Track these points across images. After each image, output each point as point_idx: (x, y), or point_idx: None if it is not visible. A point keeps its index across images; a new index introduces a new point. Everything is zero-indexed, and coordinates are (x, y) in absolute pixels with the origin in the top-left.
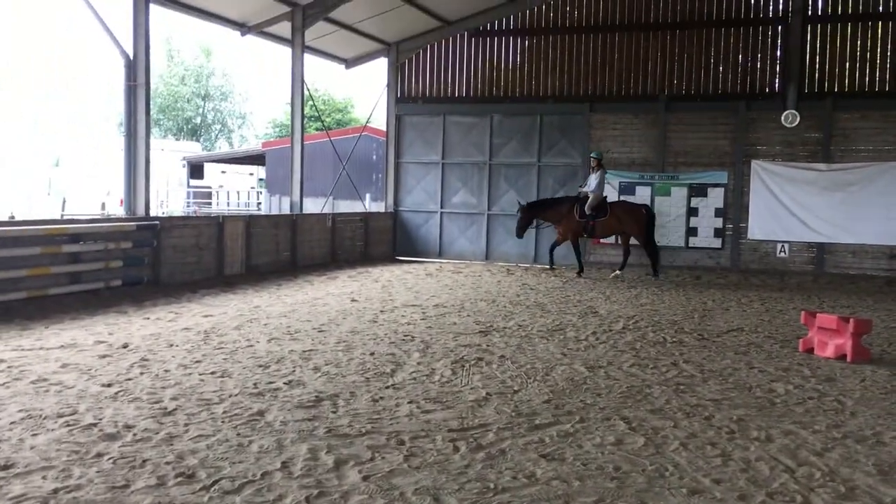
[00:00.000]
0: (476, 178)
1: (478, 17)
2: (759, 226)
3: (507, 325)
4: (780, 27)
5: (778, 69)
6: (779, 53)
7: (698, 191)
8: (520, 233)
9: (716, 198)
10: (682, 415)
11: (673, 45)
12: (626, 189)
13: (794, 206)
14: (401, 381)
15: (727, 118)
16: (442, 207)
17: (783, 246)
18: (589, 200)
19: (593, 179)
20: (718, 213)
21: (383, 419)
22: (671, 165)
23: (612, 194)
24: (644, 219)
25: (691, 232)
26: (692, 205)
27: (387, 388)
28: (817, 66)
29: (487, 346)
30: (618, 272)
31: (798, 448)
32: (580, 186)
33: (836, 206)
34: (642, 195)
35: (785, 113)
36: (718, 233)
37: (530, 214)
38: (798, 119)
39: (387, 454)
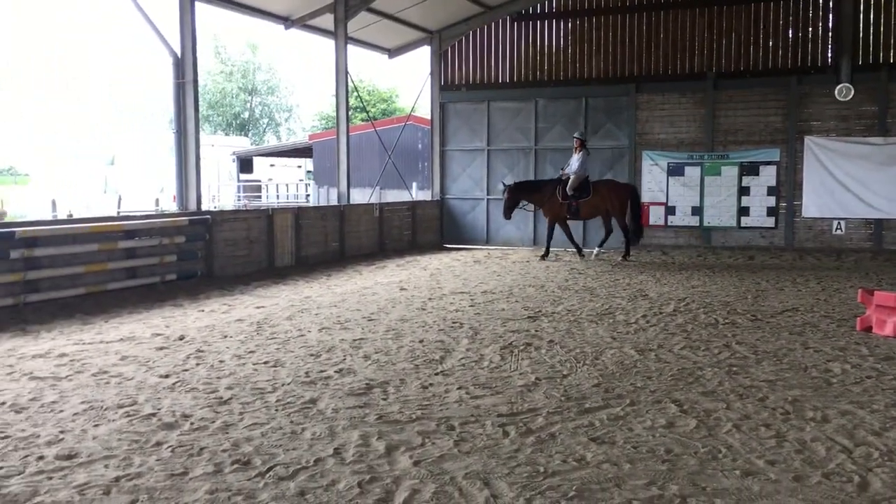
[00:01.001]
0: (522, 164)
1: (519, 2)
2: (814, 203)
3: (556, 309)
4: None
5: (830, 42)
6: (830, 25)
7: (750, 169)
8: (507, 213)
9: (768, 176)
10: (734, 396)
11: (720, 21)
12: (675, 170)
13: (849, 181)
14: (450, 367)
15: (778, 94)
16: (488, 194)
17: (839, 223)
18: (570, 181)
19: (575, 160)
20: (771, 191)
21: (433, 405)
22: (721, 144)
23: (660, 176)
24: (628, 197)
25: (743, 211)
26: (743, 184)
27: (436, 374)
28: (871, 36)
29: (536, 331)
30: (626, 255)
31: (855, 428)
32: (562, 168)
33: (894, 180)
34: (692, 175)
35: (839, 86)
36: (771, 211)
37: (516, 195)
38: (852, 92)
39: (437, 440)
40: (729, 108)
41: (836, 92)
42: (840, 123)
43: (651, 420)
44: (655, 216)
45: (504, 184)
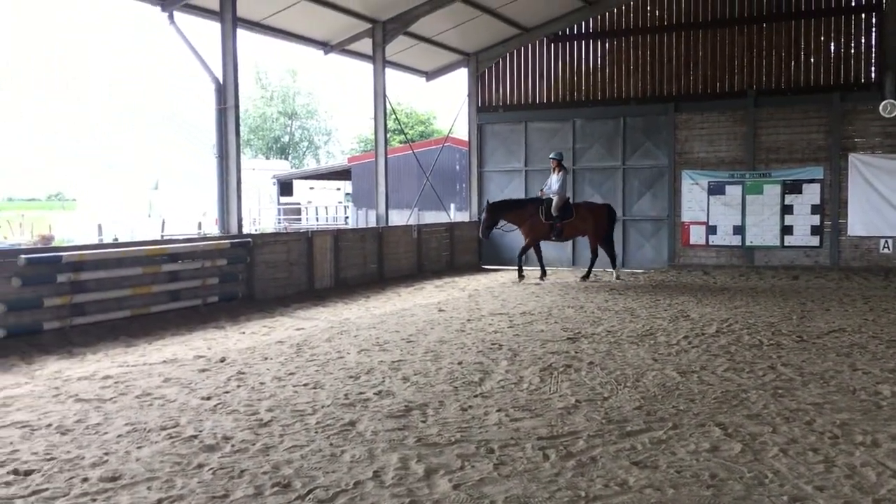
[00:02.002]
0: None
1: (556, 23)
2: (860, 221)
3: (596, 330)
4: (873, 14)
5: (873, 58)
6: (873, 41)
7: (792, 188)
8: (485, 233)
9: (811, 194)
10: (781, 420)
11: (760, 39)
12: (716, 189)
13: None
14: (489, 389)
15: (820, 111)
16: None
17: (886, 242)
18: (554, 202)
19: (555, 181)
20: (815, 209)
21: (472, 428)
22: (762, 163)
23: (701, 195)
24: (607, 218)
25: (786, 230)
26: (786, 202)
27: (475, 396)
28: None
29: (576, 352)
30: (613, 272)
31: None
32: (541, 189)
33: None
34: (733, 194)
35: (883, 103)
36: (816, 230)
37: (496, 215)
38: None
39: (476, 463)
40: (770, 125)
41: (880, 108)
42: (885, 140)
43: (695, 444)
44: (696, 236)
45: (487, 202)
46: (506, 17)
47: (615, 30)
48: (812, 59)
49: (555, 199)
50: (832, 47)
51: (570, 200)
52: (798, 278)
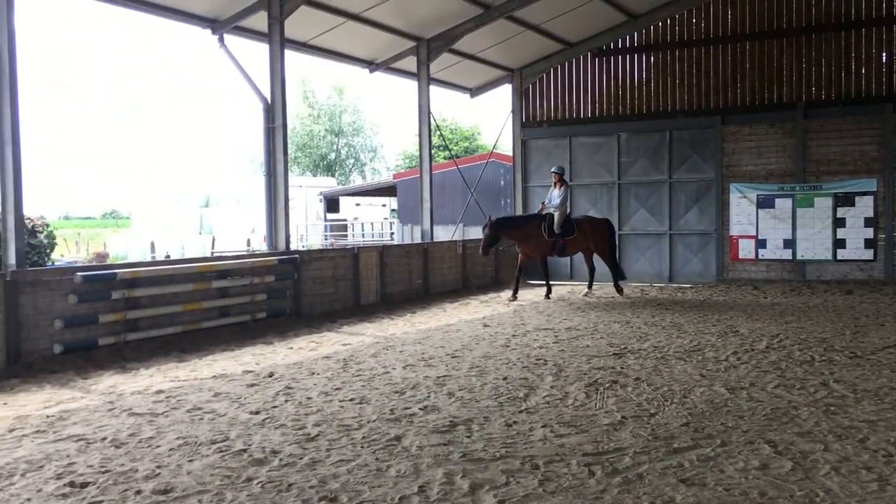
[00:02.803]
0: (605, 199)
1: (600, 37)
2: None
3: (642, 346)
4: None
5: None
6: None
7: (844, 200)
8: (485, 250)
9: (864, 207)
10: (832, 437)
11: (809, 50)
12: (765, 202)
13: None
14: (534, 405)
15: (872, 122)
16: None
17: None
18: (556, 218)
19: (556, 196)
20: (868, 222)
21: (517, 443)
22: (813, 175)
23: (749, 208)
24: (608, 233)
25: (839, 244)
26: (838, 215)
27: (520, 412)
28: None
29: (622, 368)
30: (588, 291)
31: None
32: (542, 202)
33: None
34: (783, 207)
35: None
36: (870, 243)
37: (498, 232)
38: None
39: (521, 479)
40: (820, 137)
41: None
42: None
43: (744, 461)
44: (745, 250)
45: (489, 217)
46: (550, 32)
47: (660, 43)
48: (863, 70)
49: (556, 214)
50: (884, 57)
51: (571, 216)
52: (851, 293)
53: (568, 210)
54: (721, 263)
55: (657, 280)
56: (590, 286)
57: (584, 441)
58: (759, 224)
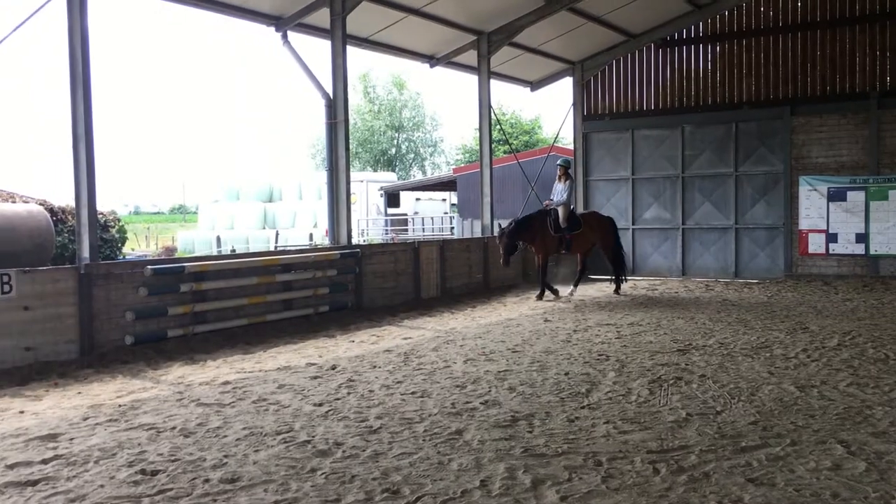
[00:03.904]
0: (668, 192)
1: (664, 28)
2: None
3: (707, 342)
4: None
5: None
6: None
7: None
8: (506, 260)
9: None
10: None
11: (883, 38)
12: (836, 195)
13: None
14: (596, 400)
15: None
16: (633, 224)
17: None
18: (561, 214)
19: (561, 189)
20: None
21: (580, 439)
22: (887, 167)
23: (820, 202)
24: (613, 228)
25: None
26: None
27: (582, 408)
28: None
29: (686, 364)
30: (573, 289)
31: None
32: (549, 198)
33: None
34: (855, 201)
35: None
36: None
37: (514, 238)
38: None
39: (584, 475)
40: (895, 128)
41: None
42: None
43: (815, 462)
44: (815, 244)
45: (500, 225)
46: (612, 23)
47: (726, 32)
48: None
49: (560, 210)
50: None
51: (574, 211)
52: None
53: (572, 205)
54: (790, 258)
55: (722, 275)
56: (576, 285)
57: (648, 438)
58: (829, 218)
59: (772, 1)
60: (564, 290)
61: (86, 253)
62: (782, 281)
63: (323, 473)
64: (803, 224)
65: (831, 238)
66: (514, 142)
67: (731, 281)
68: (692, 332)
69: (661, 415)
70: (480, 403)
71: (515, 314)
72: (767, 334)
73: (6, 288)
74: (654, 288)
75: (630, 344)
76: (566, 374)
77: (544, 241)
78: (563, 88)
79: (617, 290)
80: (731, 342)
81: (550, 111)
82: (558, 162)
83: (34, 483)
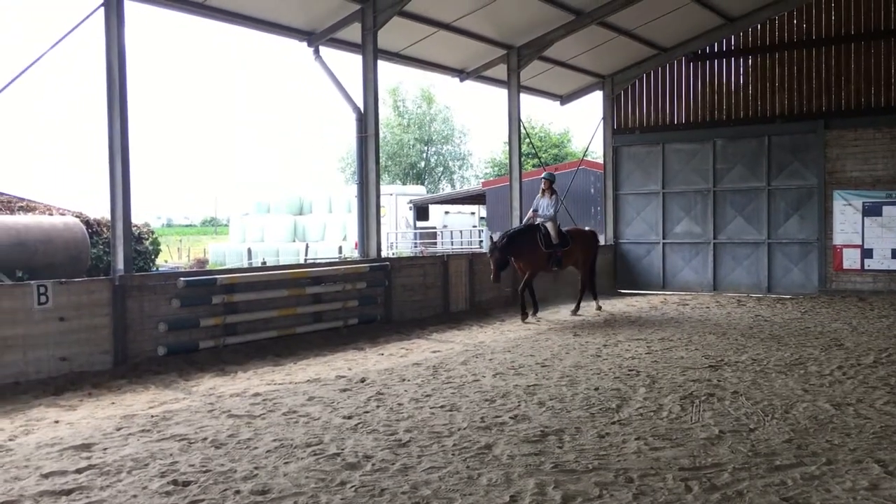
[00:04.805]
0: (699, 206)
1: (695, 41)
2: None
3: (740, 359)
4: None
5: None
6: None
7: None
8: (497, 276)
9: None
10: None
11: None
12: (872, 209)
13: None
14: (627, 416)
15: None
16: (664, 238)
17: None
18: (551, 229)
19: (547, 205)
20: None
21: (610, 455)
22: None
23: (854, 216)
24: (596, 245)
25: None
26: None
27: (613, 423)
28: None
29: (718, 381)
30: (599, 305)
31: None
32: (533, 212)
33: None
34: (891, 215)
35: None
36: None
37: (506, 252)
38: None
39: (615, 492)
40: None
41: None
42: None
43: (851, 481)
44: (850, 260)
45: (492, 238)
46: (642, 37)
47: (758, 46)
48: None
49: (549, 225)
50: None
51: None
52: None
53: (557, 219)
54: (823, 274)
55: (755, 290)
56: (594, 298)
57: (680, 455)
58: (864, 233)
59: (805, 14)
60: (551, 312)
61: (120, 265)
62: (816, 297)
63: (352, 486)
64: (838, 239)
65: (866, 253)
66: (544, 155)
67: (764, 296)
68: (724, 347)
69: (693, 431)
70: (510, 418)
71: (544, 328)
72: (801, 351)
73: (43, 299)
74: (685, 303)
75: (661, 359)
76: (596, 389)
77: (535, 257)
78: (593, 102)
79: (576, 311)
80: (765, 358)
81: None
82: (543, 175)
83: (68, 492)
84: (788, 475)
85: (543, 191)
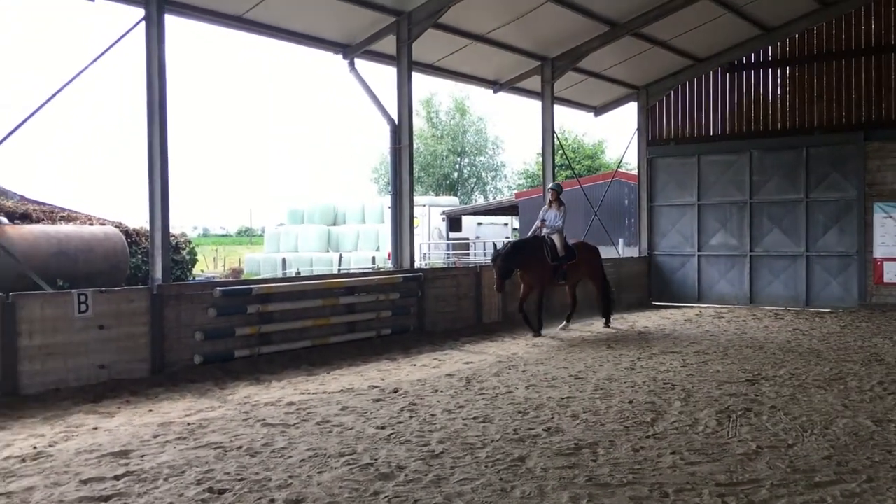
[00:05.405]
0: (735, 218)
1: (731, 52)
2: None
3: (778, 373)
4: None
5: None
6: None
7: None
8: (501, 286)
9: None
10: None
11: None
12: None
13: None
14: (662, 430)
15: None
16: (699, 250)
17: None
18: (558, 241)
19: (555, 216)
20: None
21: (645, 470)
22: None
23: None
24: (600, 259)
25: None
26: None
27: (647, 437)
28: None
29: (756, 395)
30: (566, 324)
31: None
32: (541, 223)
33: None
34: None
35: None
36: None
37: (510, 262)
38: None
39: None
40: None
41: None
42: None
43: (892, 499)
44: (891, 273)
45: (495, 246)
46: (677, 48)
47: (796, 56)
48: None
49: (556, 237)
50: None
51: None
52: None
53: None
54: (864, 287)
55: (792, 304)
56: (569, 319)
57: (717, 470)
58: None
59: (844, 24)
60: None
61: (158, 274)
62: (856, 311)
63: (386, 497)
64: (878, 252)
65: None
66: (577, 166)
67: (802, 310)
68: (761, 361)
69: (730, 447)
70: (543, 430)
71: (577, 340)
72: (841, 366)
73: (83, 307)
74: (720, 316)
75: (696, 373)
76: (630, 402)
77: (541, 271)
78: (627, 113)
79: (607, 323)
80: (803, 373)
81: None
82: (550, 185)
83: (106, 499)
84: (828, 492)
85: (550, 202)
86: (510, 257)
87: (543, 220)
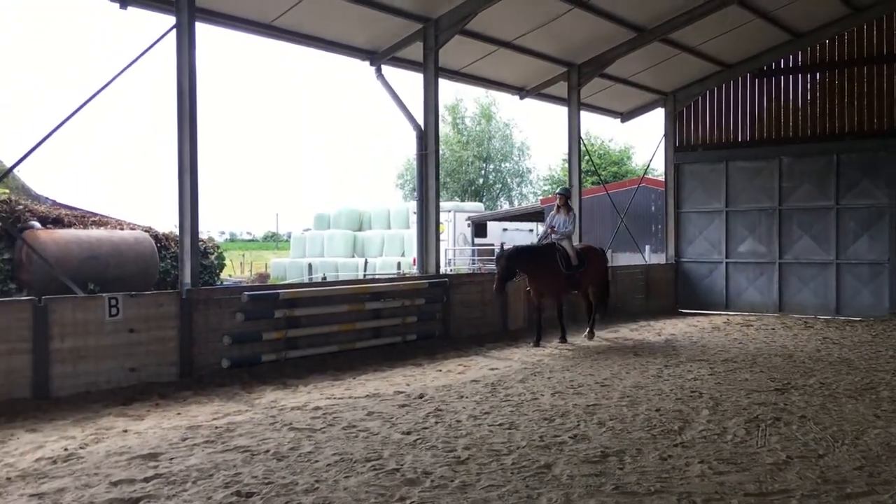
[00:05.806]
0: (764, 225)
1: (760, 58)
2: None
3: (808, 382)
4: None
5: None
6: None
7: None
8: (500, 287)
9: None
10: None
11: None
12: None
13: None
14: (690, 439)
15: None
16: (727, 257)
17: None
18: (569, 249)
19: (565, 222)
20: None
21: (673, 478)
22: None
23: None
24: (606, 262)
25: None
26: None
27: (675, 445)
28: None
29: (785, 404)
30: (589, 331)
31: None
32: (550, 229)
33: None
34: None
35: None
36: None
37: (513, 264)
38: None
39: None
40: None
41: None
42: None
43: None
44: None
45: (502, 247)
46: (705, 54)
47: (826, 62)
48: None
49: (566, 244)
50: None
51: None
52: None
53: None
54: (895, 295)
55: (822, 312)
56: (592, 325)
57: (746, 480)
58: None
59: (875, 29)
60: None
61: (187, 278)
62: (887, 319)
63: (412, 502)
64: None
65: None
66: (603, 172)
67: (832, 318)
68: (791, 370)
69: (759, 456)
70: (569, 437)
71: (603, 347)
72: (872, 375)
73: (114, 311)
74: (749, 324)
75: (724, 381)
76: (657, 410)
77: (556, 280)
78: (655, 119)
79: (591, 333)
80: (834, 382)
81: (641, 141)
82: (558, 191)
83: (136, 501)
84: (860, 503)
85: (559, 207)
86: (514, 259)
87: (553, 227)
